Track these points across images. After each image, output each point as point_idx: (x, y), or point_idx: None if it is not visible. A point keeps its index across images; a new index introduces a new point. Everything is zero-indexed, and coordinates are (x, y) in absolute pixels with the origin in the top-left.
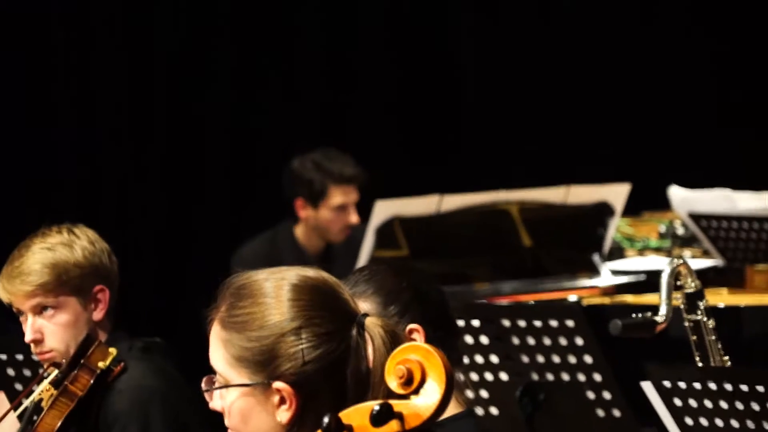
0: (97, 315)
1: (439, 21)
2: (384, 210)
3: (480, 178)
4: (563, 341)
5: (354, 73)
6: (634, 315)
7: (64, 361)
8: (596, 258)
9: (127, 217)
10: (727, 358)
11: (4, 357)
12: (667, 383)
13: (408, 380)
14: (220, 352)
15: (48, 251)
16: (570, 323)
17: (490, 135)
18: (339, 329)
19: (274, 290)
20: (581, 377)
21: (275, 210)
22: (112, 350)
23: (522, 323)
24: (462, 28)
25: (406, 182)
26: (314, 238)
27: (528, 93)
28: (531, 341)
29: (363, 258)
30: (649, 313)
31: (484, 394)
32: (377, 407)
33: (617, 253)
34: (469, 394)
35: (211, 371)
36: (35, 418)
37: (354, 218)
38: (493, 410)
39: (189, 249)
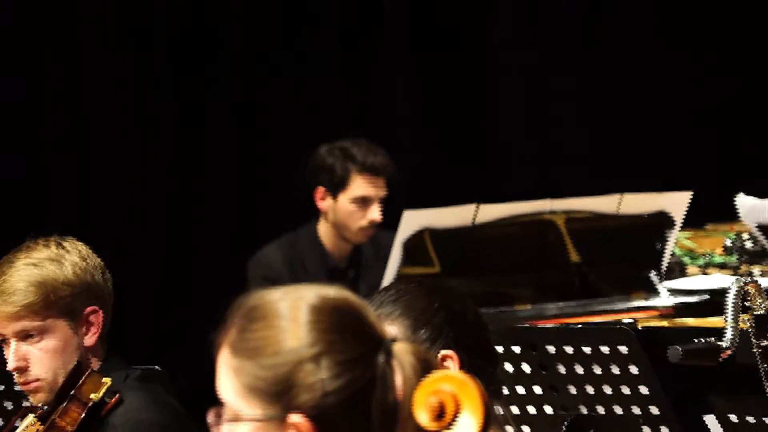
0: (89, 340)
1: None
2: (413, 221)
3: (521, 186)
4: (615, 370)
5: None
6: (695, 340)
7: (51, 392)
8: (653, 276)
9: (123, 229)
10: None
11: None
12: (733, 417)
13: (440, 414)
14: (229, 382)
15: (34, 268)
16: (623, 349)
17: (533, 139)
18: (363, 356)
19: (291, 311)
20: (636, 410)
21: (288, 223)
22: (106, 380)
23: (569, 349)
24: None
25: (438, 190)
26: (337, 239)
27: (576, 95)
28: (579, 370)
29: (389, 275)
30: (713, 338)
31: (526, 430)
32: None
33: (677, 270)
34: (510, 430)
35: (218, 403)
36: None
37: (376, 215)
38: None
39: (193, 266)
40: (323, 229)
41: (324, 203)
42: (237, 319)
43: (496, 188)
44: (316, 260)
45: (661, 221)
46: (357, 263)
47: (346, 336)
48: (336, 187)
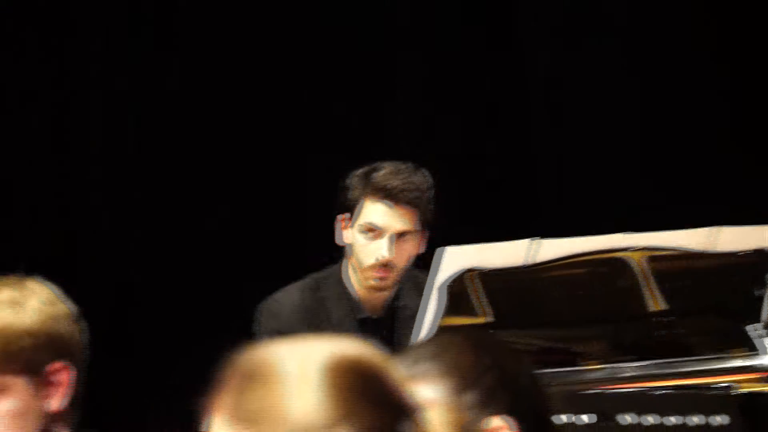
0: (55, 404)
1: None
2: (454, 260)
3: (587, 216)
4: None
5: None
6: None
7: None
8: (755, 329)
9: (100, 266)
10: None
11: None
12: None
13: None
14: None
15: None
16: (719, 420)
17: (599, 162)
18: (383, 428)
19: (299, 373)
20: None
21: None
22: None
23: (650, 419)
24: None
25: (484, 221)
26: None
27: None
28: None
29: (424, 327)
30: None
31: None
32: None
33: None
34: None
35: None
36: None
37: (383, 251)
38: None
39: (185, 314)
40: (350, 272)
41: (345, 234)
42: (235, 380)
43: (552, 221)
44: (342, 309)
45: (764, 260)
46: (393, 314)
47: (364, 403)
48: (352, 213)
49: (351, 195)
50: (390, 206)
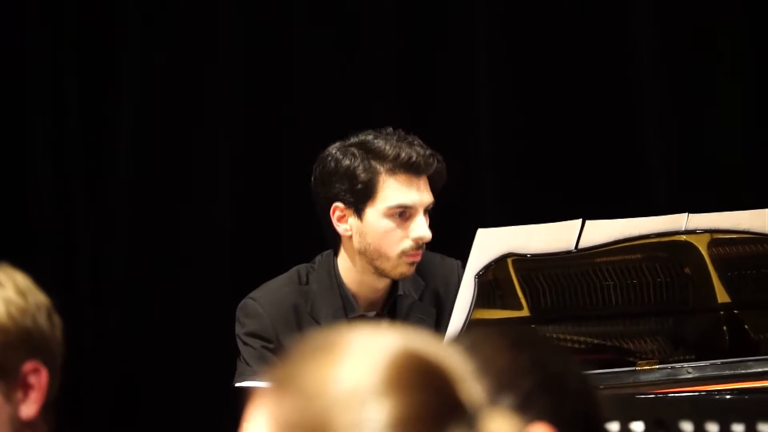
0: (28, 409)
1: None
2: (489, 243)
3: (638, 191)
4: None
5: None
6: None
7: None
8: None
9: (78, 255)
10: None
11: None
12: None
13: None
14: (263, 421)
15: None
16: None
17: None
18: (435, 420)
19: (363, 348)
20: None
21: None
22: None
23: (713, 428)
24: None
25: (525, 198)
26: (364, 275)
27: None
28: None
29: (456, 319)
30: None
31: None
32: None
33: None
34: None
35: None
36: None
37: (423, 230)
38: None
39: (178, 309)
40: (344, 264)
41: (344, 226)
42: (293, 355)
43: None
44: (332, 308)
45: None
46: (392, 310)
47: (422, 393)
48: (360, 200)
49: (359, 177)
50: (415, 179)
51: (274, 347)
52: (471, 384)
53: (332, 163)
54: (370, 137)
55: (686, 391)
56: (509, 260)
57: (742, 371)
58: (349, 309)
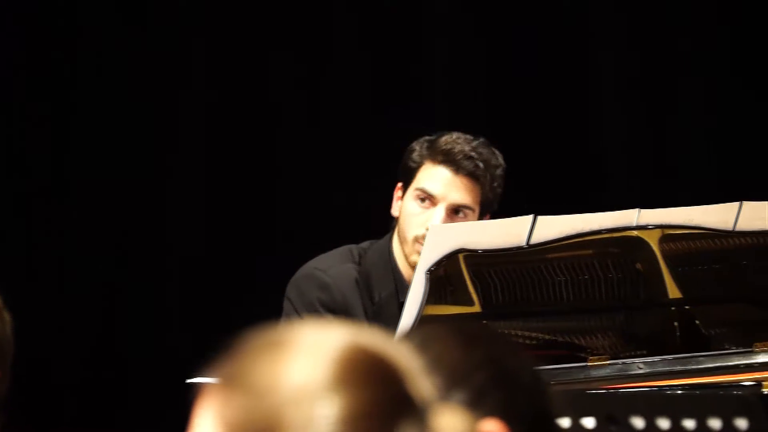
0: None
1: None
2: (442, 239)
3: (589, 187)
4: None
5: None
6: None
7: None
8: None
9: (34, 244)
10: None
11: None
12: None
13: None
14: (209, 419)
15: None
16: (742, 424)
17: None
18: (382, 415)
19: (312, 346)
20: None
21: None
22: None
23: (664, 424)
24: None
25: None
26: (406, 261)
27: None
28: None
29: (407, 316)
30: None
31: None
32: None
33: None
34: None
35: None
36: None
37: (435, 221)
38: None
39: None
40: (396, 248)
41: (396, 206)
42: (239, 352)
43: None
44: (386, 290)
45: None
46: None
47: (372, 389)
48: (407, 180)
49: (412, 157)
50: (450, 173)
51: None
52: (421, 380)
53: (409, 147)
54: (446, 133)
55: (637, 387)
56: (461, 256)
57: (693, 367)
58: (402, 292)
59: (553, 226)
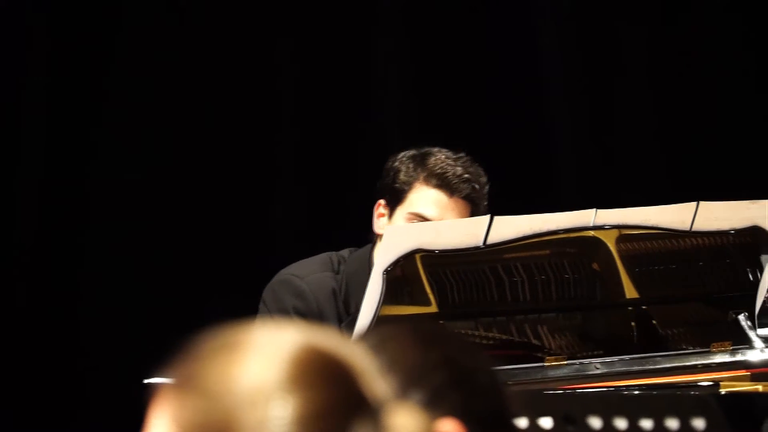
0: None
1: None
2: (399, 239)
3: (549, 187)
4: None
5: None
6: None
7: None
8: (743, 319)
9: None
10: None
11: None
12: None
13: None
14: (163, 420)
15: None
16: (699, 424)
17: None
18: (335, 414)
19: (265, 347)
20: None
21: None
22: None
23: (621, 424)
24: None
25: None
26: None
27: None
28: None
29: (364, 316)
30: None
31: None
32: None
33: None
34: None
35: None
36: None
37: None
38: None
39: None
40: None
41: (379, 223)
42: (194, 353)
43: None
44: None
45: (755, 240)
46: None
47: (326, 389)
48: (394, 200)
49: (399, 177)
50: (445, 197)
51: None
52: (376, 379)
53: (391, 163)
54: (433, 149)
55: (595, 387)
56: (417, 256)
57: (651, 367)
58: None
59: (510, 226)
